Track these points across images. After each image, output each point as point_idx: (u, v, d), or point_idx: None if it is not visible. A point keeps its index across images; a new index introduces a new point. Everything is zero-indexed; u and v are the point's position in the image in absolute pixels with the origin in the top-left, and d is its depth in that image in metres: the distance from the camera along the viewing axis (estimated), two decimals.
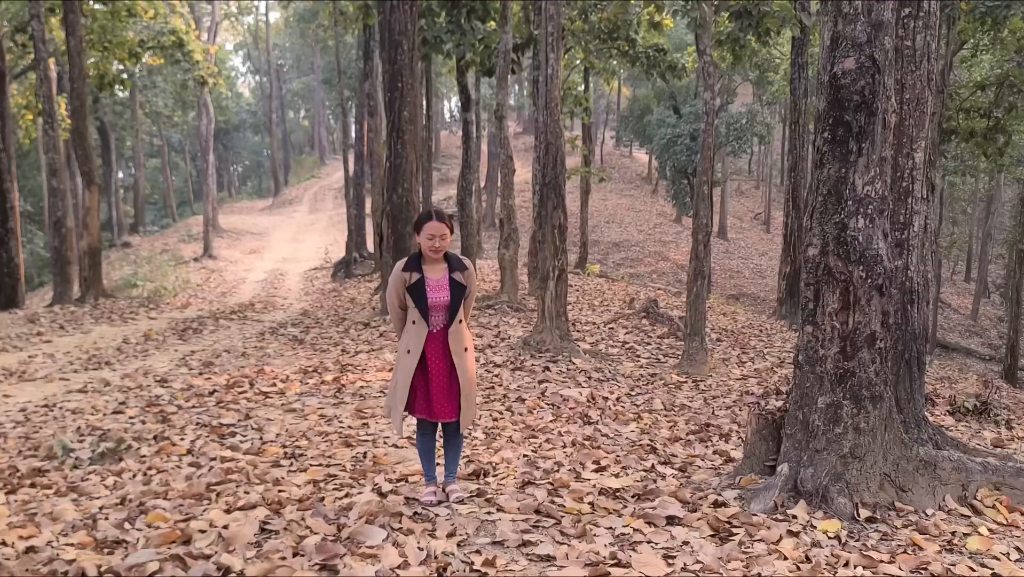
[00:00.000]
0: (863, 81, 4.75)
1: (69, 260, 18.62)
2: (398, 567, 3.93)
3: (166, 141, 49.11)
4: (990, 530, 4.62)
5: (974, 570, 3.99)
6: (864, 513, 4.67)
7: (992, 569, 4.01)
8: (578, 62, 26.08)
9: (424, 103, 24.50)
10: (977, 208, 39.25)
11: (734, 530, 4.48)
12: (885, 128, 4.84)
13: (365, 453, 6.21)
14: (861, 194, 4.77)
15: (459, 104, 22.30)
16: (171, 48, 21.11)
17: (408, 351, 4.75)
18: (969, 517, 4.83)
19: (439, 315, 4.76)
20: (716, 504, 4.91)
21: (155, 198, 54.49)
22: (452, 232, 4.72)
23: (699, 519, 4.63)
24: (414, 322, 4.75)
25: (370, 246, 25.87)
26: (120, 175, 50.52)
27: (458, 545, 4.24)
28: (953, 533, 4.53)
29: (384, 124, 16.99)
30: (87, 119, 19.11)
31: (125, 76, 22.79)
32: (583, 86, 28.16)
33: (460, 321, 4.80)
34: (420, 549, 4.13)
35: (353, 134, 29.12)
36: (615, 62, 25.18)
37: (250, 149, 70.94)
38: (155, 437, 6.60)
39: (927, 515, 4.79)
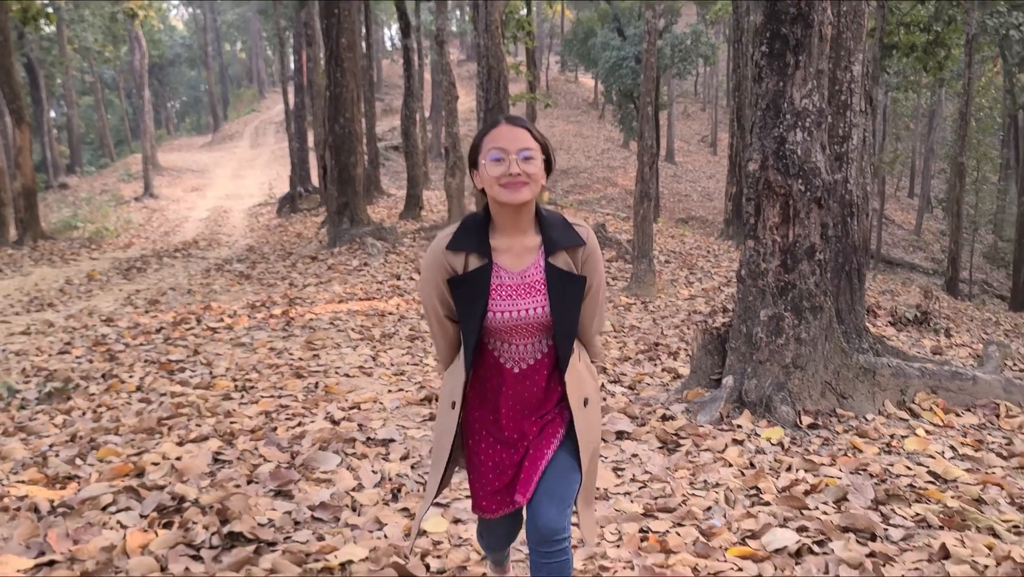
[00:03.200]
0: None
1: (3, 201, 18.06)
2: (353, 489, 3.97)
3: (99, 78, 47.51)
4: (926, 431, 4.79)
5: (911, 469, 4.14)
6: (806, 420, 4.81)
7: (927, 467, 4.16)
8: None
9: (363, 30, 23.98)
10: (920, 124, 39.72)
11: (681, 441, 4.59)
12: (822, 40, 4.85)
13: (316, 384, 6.20)
14: (799, 107, 4.80)
15: (399, 31, 21.85)
16: None
17: (452, 404, 2.50)
18: (907, 420, 5.00)
19: (524, 344, 2.42)
20: (664, 418, 5.02)
21: (91, 137, 52.93)
22: (550, 160, 2.37)
23: (648, 433, 4.73)
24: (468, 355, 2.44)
25: (315, 180, 25.49)
26: (52, 114, 48.90)
27: (412, 467, 4.29)
28: (892, 435, 4.69)
29: (323, 53, 16.61)
30: (12, 55, 18.37)
31: (50, 10, 21.86)
32: (525, 10, 27.71)
33: (576, 354, 2.48)
34: (374, 472, 4.18)
35: (292, 65, 28.41)
36: None
37: (187, 84, 69.00)
38: (103, 375, 6.53)
39: (867, 419, 4.94)
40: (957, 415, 5.12)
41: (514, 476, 2.47)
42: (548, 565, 2.35)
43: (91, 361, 7.11)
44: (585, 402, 2.47)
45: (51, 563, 3.22)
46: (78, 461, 4.40)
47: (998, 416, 5.12)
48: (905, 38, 19.55)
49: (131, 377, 6.45)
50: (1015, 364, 7.15)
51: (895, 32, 19.47)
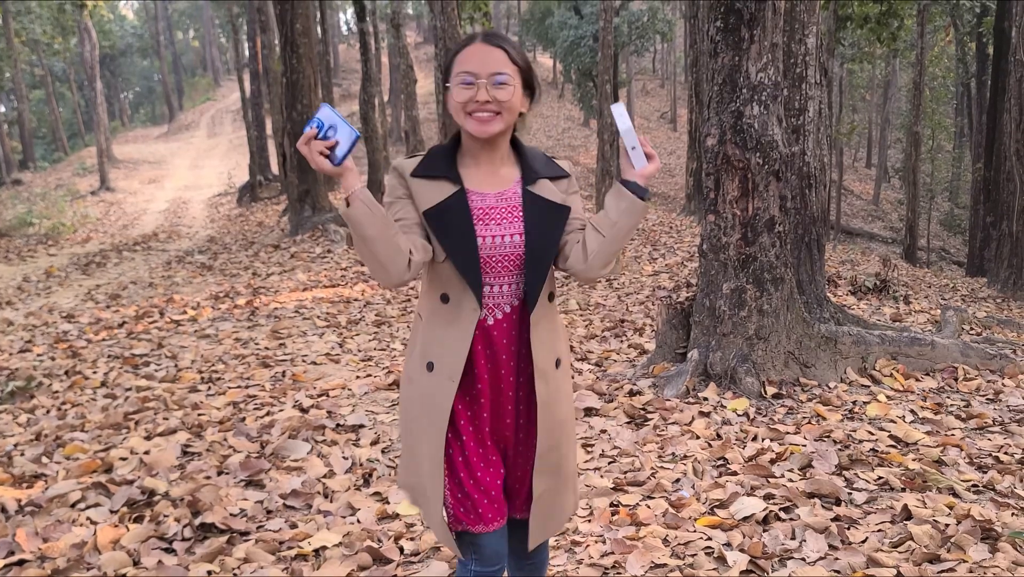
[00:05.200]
0: None
1: None
2: (324, 476, 3.97)
3: (48, 71, 46.55)
4: (887, 397, 4.88)
5: (873, 434, 4.22)
6: (771, 390, 4.89)
7: (888, 431, 4.25)
8: None
9: (318, 15, 23.73)
10: (875, 94, 40.13)
11: (649, 416, 4.64)
12: (776, 14, 4.89)
13: (284, 372, 6.19)
14: (755, 81, 4.84)
15: (355, 15, 21.64)
16: None
17: (430, 367, 2.10)
18: (868, 386, 5.09)
19: (504, 283, 2.08)
20: (631, 393, 5.07)
21: (43, 131, 51.92)
22: (533, 85, 2.10)
23: (615, 408, 4.78)
24: (445, 299, 2.08)
25: (274, 168, 25.26)
26: (2, 109, 47.99)
27: (382, 451, 4.31)
28: (854, 402, 4.77)
29: (277, 40, 16.42)
30: None
31: None
32: None
33: (551, 298, 2.18)
34: (345, 458, 4.19)
35: (247, 52, 28.07)
36: None
37: (139, 74, 67.88)
38: (66, 372, 6.46)
39: (830, 388, 5.03)
40: (917, 380, 5.22)
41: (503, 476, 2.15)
42: (531, 565, 2.28)
43: (53, 358, 7.03)
44: (557, 363, 2.15)
45: (21, 562, 3.20)
46: (44, 459, 4.37)
47: (956, 380, 5.23)
48: (859, 9, 19.72)
49: (95, 373, 6.39)
50: (972, 328, 7.29)
51: (848, 4, 19.63)
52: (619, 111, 2.08)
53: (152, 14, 56.04)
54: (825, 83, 7.00)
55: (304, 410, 5.11)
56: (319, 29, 24.63)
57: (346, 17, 68.14)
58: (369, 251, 1.92)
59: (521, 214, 2.07)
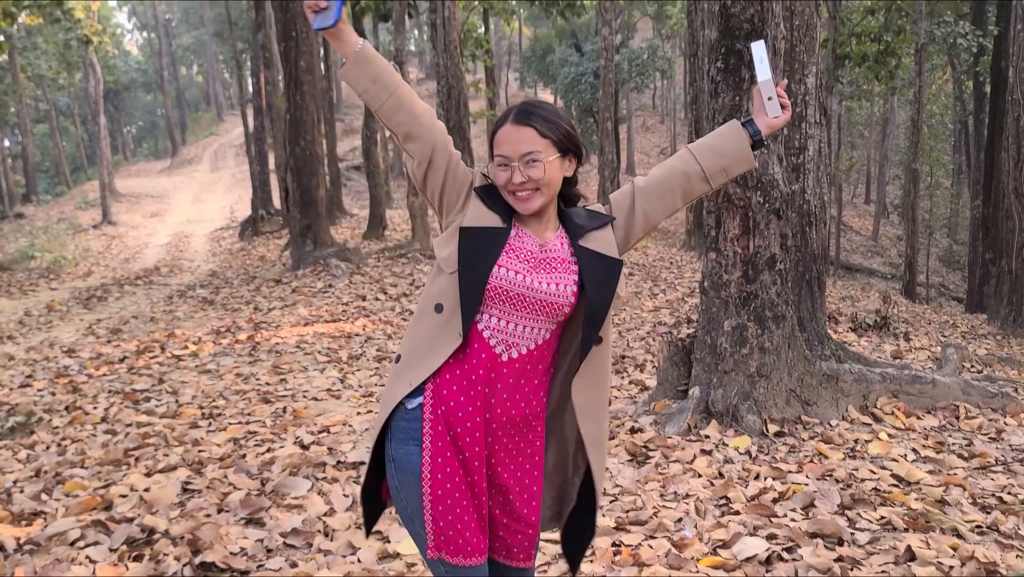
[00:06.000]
0: (752, 9, 4.83)
1: None
2: (324, 514, 3.96)
3: (53, 105, 46.93)
4: (889, 435, 4.87)
5: (875, 473, 4.21)
6: (772, 428, 4.88)
7: (891, 470, 4.24)
8: (476, 3, 25.78)
9: (322, 51, 23.95)
10: (874, 131, 40.37)
11: (651, 453, 4.63)
12: (776, 55, 4.95)
13: (284, 408, 6.18)
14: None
15: None
16: (49, 6, 20.00)
17: (398, 359, 2.14)
18: (870, 424, 5.08)
19: (530, 325, 2.07)
20: (633, 430, 5.06)
21: (47, 165, 52.21)
22: (579, 159, 2.17)
23: (617, 446, 4.77)
24: (439, 309, 2.08)
25: (276, 202, 25.36)
26: (7, 143, 48.22)
27: None
28: (856, 440, 4.76)
29: (281, 76, 16.57)
30: None
31: (2, 38, 21.59)
32: (483, 28, 27.89)
33: (600, 341, 2.14)
34: (345, 496, 4.17)
35: (250, 88, 28.30)
36: (513, 1, 24.95)
37: (143, 109, 68.35)
38: (67, 408, 6.45)
39: (831, 425, 5.02)
40: (918, 418, 5.21)
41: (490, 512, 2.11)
42: None
43: (54, 393, 7.02)
44: (609, 402, 2.17)
45: None
46: (44, 496, 4.35)
47: (958, 418, 5.23)
48: (857, 48, 19.94)
49: (95, 408, 6.38)
50: (972, 366, 7.29)
51: (847, 43, 19.84)
52: (759, 53, 2.10)
53: (156, 50, 56.56)
54: (824, 121, 7.07)
55: (305, 447, 5.10)
56: (323, 65, 24.86)
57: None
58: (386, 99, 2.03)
59: (574, 267, 2.09)
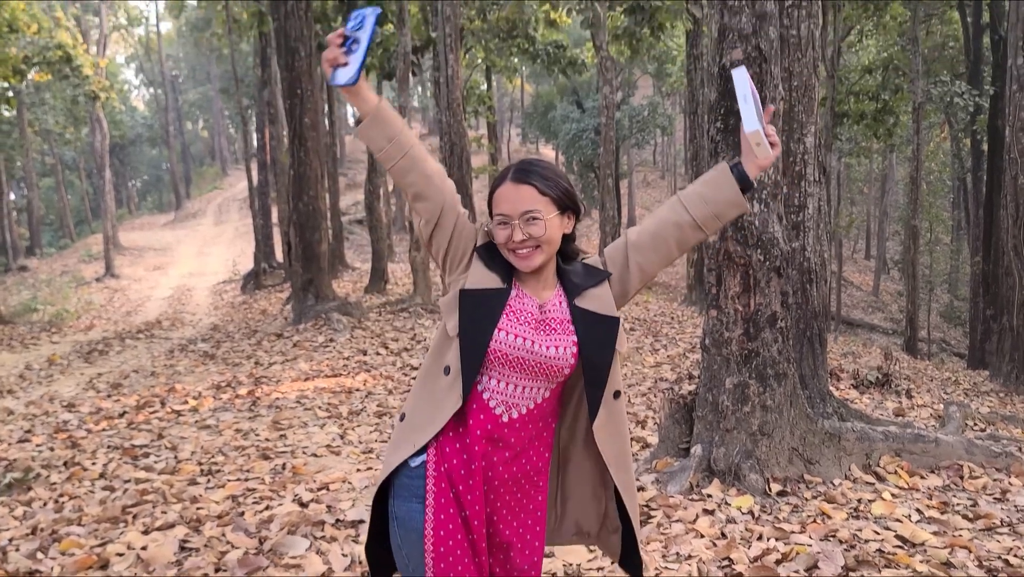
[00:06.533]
0: (751, 71, 4.91)
1: None
2: (323, 574, 3.92)
3: (59, 159, 47.39)
4: (893, 495, 4.83)
5: (879, 534, 4.17)
6: (775, 487, 4.84)
7: (895, 531, 4.20)
8: (479, 61, 26.17)
9: (326, 108, 24.27)
10: (873, 187, 40.68)
11: (652, 512, 4.59)
12: (775, 116, 5.01)
13: (284, 464, 6.14)
14: (754, 185, 4.93)
15: None
16: (58, 63, 20.31)
17: (403, 417, 2.19)
18: (873, 484, 5.05)
19: (531, 385, 2.10)
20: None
21: (51, 218, 52.56)
22: (577, 216, 2.19)
23: None
24: (447, 371, 2.10)
25: (279, 256, 25.46)
26: (12, 196, 48.56)
27: None
28: (859, 500, 4.73)
29: (286, 132, 16.76)
30: None
31: (11, 94, 21.88)
32: (486, 85, 28.28)
33: (616, 396, 2.18)
34: (344, 555, 4.14)
35: (255, 143, 28.63)
36: (516, 60, 25.36)
37: (148, 163, 68.99)
38: (65, 463, 6.41)
39: (834, 485, 4.99)
40: (922, 477, 5.18)
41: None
42: None
43: (52, 449, 6.98)
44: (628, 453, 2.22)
45: None
46: (39, 555, 4.31)
47: (962, 477, 5.19)
48: (855, 106, 20.20)
49: (94, 464, 6.34)
50: (975, 424, 7.26)
51: (845, 101, 20.11)
52: (742, 90, 2.08)
53: (163, 105, 57.19)
54: (824, 179, 7.13)
55: (304, 504, 5.06)
56: (327, 121, 25.17)
57: (353, 110, 69.65)
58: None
59: (572, 328, 2.10)
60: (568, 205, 2.14)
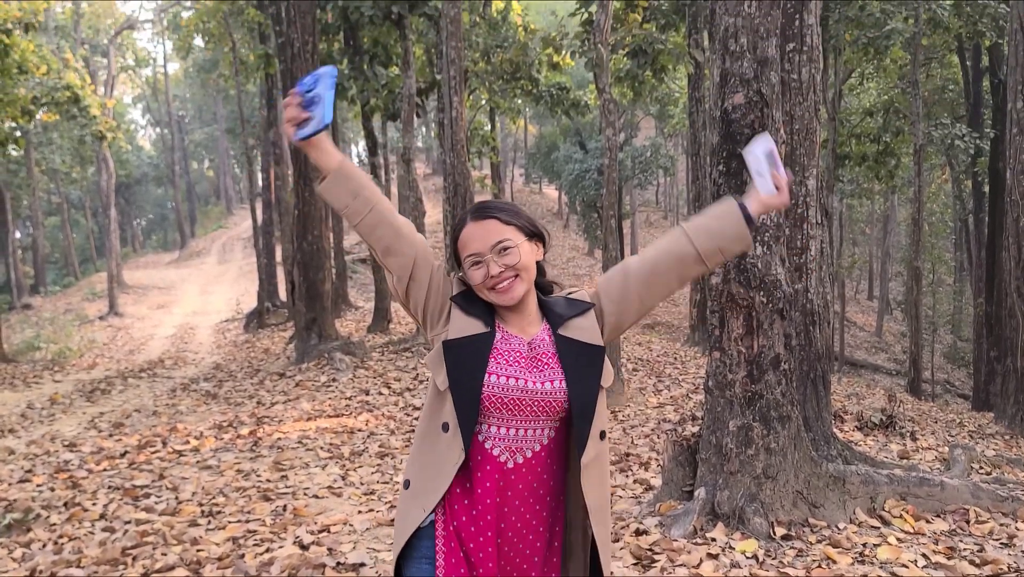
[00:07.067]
0: (752, 115, 4.96)
1: None
2: None
3: (65, 198, 47.68)
4: (898, 539, 4.79)
5: None
6: (780, 531, 4.81)
7: None
8: (483, 102, 26.38)
9: None
10: (875, 228, 40.77)
11: (656, 557, 4.56)
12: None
13: (285, 506, 6.11)
14: (757, 223, 4.95)
15: (366, 148, 22.32)
16: (66, 104, 20.52)
17: (407, 484, 2.12)
18: (878, 528, 5.01)
19: (530, 427, 2.08)
20: (638, 532, 4.99)
21: (56, 257, 52.77)
22: (543, 244, 2.21)
23: (622, 548, 4.70)
24: (445, 428, 2.05)
25: (282, 295, 25.52)
26: (17, 235, 48.80)
27: None
28: (864, 544, 4.69)
29: (291, 172, 16.88)
30: None
31: (19, 134, 22.06)
32: (489, 126, 28.48)
33: (603, 436, 2.11)
34: None
35: (260, 183, 28.79)
36: (519, 101, 25.58)
37: (153, 202, 69.42)
38: (65, 504, 6.38)
39: (839, 529, 4.95)
40: (928, 522, 5.14)
41: None
42: None
43: (53, 489, 6.95)
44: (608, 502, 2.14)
45: None
46: None
47: (968, 522, 5.15)
48: (856, 148, 20.33)
49: (94, 505, 6.31)
50: (981, 467, 7.21)
51: (847, 143, 20.25)
52: (756, 167, 2.16)
53: (169, 145, 57.66)
54: (826, 221, 7.16)
55: (304, 547, 5.03)
56: None
57: (358, 150, 70.14)
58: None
59: (558, 361, 2.07)
60: (533, 231, 2.13)
